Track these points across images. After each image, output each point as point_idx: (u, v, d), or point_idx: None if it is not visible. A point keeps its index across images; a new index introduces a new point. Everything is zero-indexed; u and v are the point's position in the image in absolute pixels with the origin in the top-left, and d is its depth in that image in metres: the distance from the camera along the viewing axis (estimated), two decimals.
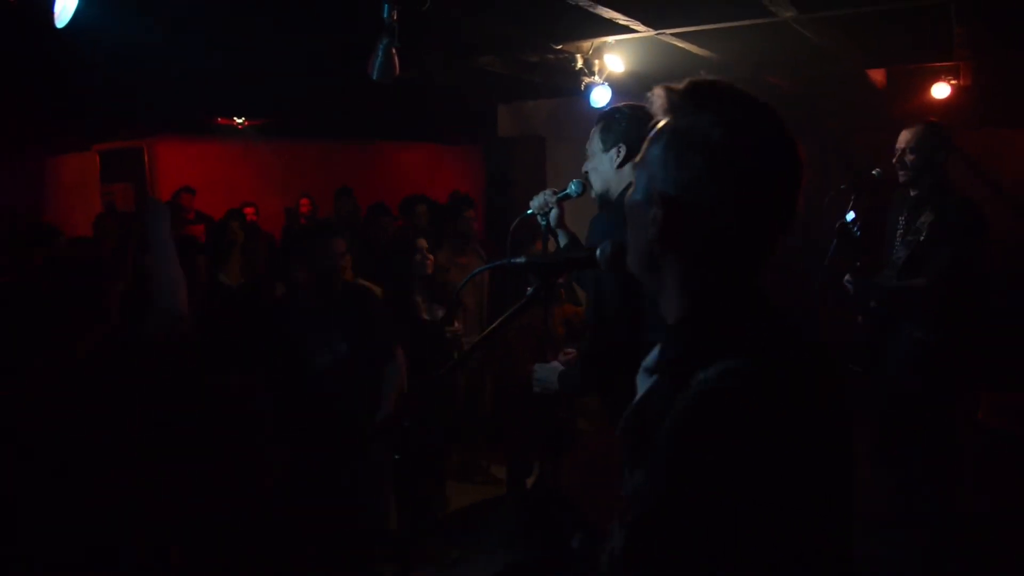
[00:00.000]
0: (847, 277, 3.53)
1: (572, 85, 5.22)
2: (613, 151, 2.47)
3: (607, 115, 2.53)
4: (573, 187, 2.59)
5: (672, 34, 4.38)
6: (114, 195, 9.43)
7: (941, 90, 6.43)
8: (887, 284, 3.47)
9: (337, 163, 9.99)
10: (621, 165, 2.46)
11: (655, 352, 1.25)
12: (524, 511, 4.53)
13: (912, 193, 3.52)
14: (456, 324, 4.24)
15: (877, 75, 6.46)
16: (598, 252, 1.62)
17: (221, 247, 4.73)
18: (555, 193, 2.62)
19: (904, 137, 3.47)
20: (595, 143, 2.53)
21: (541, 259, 1.73)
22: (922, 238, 3.33)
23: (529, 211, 2.65)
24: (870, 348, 3.57)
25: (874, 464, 3.70)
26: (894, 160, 3.48)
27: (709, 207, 1.04)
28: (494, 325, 1.78)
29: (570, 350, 4.33)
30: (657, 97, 1.10)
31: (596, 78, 5.06)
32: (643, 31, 4.25)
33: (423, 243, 4.16)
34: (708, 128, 1.03)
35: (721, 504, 0.95)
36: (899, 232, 3.51)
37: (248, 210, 8.03)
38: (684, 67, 5.18)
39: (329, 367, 3.34)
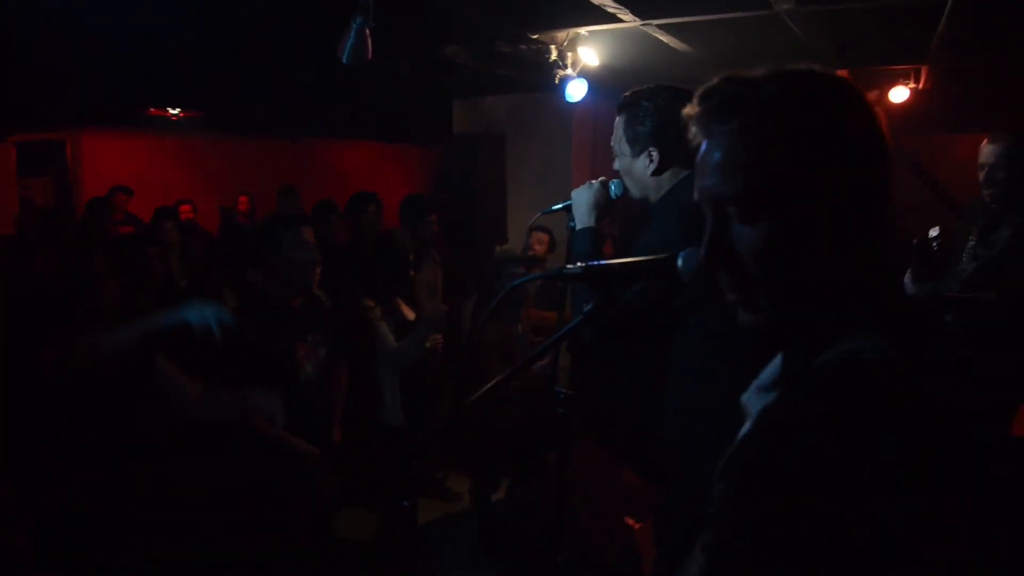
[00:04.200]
0: (906, 278, 3.32)
1: (537, 79, 5.00)
2: (644, 157, 2.15)
3: (630, 107, 2.19)
4: (614, 188, 2.27)
5: (658, 25, 4.15)
6: (32, 190, 8.76)
7: (899, 93, 6.43)
8: (952, 294, 3.28)
9: (277, 160, 9.55)
10: (657, 172, 2.14)
11: (774, 366, 1.03)
12: (495, 528, 4.25)
13: (993, 205, 3.34)
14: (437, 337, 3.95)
15: (841, 76, 6.42)
16: (680, 261, 1.34)
17: None
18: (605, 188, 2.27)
19: (992, 152, 3.23)
20: (621, 143, 2.19)
21: (605, 268, 1.43)
22: (995, 253, 3.16)
23: (556, 207, 2.33)
24: None
25: None
26: (981, 177, 3.26)
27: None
28: (536, 357, 1.56)
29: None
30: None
31: (569, 71, 4.83)
32: (630, 21, 4.01)
33: (436, 254, 3.89)
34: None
35: (819, 514, 0.75)
36: (970, 244, 3.34)
37: (184, 207, 7.56)
38: (659, 62, 5.04)
39: (310, 376, 3.01)
